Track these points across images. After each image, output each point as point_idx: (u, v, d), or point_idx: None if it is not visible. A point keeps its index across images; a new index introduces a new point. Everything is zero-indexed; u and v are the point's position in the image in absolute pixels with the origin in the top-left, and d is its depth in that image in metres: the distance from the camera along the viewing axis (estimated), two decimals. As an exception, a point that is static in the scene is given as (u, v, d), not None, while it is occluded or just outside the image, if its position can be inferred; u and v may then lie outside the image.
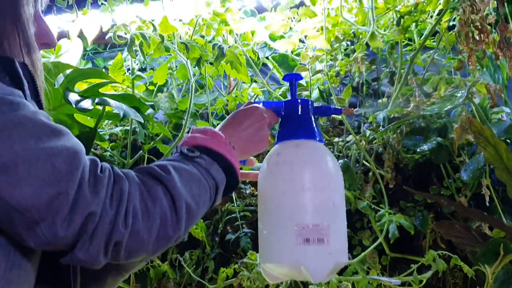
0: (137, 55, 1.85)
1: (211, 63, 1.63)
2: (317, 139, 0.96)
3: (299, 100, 0.99)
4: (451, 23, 1.59)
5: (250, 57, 1.62)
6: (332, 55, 1.82)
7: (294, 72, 1.66)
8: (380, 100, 1.78)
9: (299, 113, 0.98)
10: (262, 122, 0.95)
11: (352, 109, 1.05)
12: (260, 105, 0.98)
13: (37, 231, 0.60)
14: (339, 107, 1.04)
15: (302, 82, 1.83)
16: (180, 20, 1.81)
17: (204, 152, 0.81)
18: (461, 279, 1.59)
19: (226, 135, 0.88)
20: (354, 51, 1.78)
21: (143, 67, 2.03)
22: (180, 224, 0.70)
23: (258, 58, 1.62)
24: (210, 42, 1.73)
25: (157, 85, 1.89)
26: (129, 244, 0.65)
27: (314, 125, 0.98)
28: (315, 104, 1.02)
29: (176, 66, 1.88)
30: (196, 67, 1.65)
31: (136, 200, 0.66)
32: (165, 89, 1.90)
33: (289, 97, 1.03)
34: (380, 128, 1.50)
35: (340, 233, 0.91)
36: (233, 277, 1.58)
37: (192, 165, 0.78)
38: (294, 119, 0.98)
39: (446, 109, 1.38)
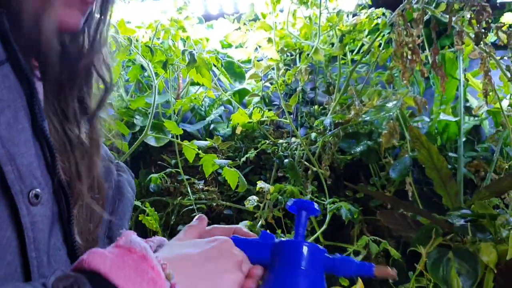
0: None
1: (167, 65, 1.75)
2: None
3: (308, 246, 0.65)
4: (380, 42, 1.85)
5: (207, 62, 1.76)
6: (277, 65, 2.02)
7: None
8: (315, 107, 2.01)
9: (303, 267, 0.63)
10: (240, 278, 0.61)
11: (391, 270, 0.64)
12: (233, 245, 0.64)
13: None
14: (368, 264, 0.65)
15: (247, 87, 2.01)
16: (139, 27, 1.91)
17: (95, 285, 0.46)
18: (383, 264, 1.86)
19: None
20: (293, 61, 2.00)
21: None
22: None
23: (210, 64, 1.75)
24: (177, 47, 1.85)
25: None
26: None
27: None
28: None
29: (129, 67, 1.96)
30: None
31: None
32: (115, 89, 1.98)
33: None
34: (327, 132, 1.71)
35: None
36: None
37: None
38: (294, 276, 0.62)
39: (380, 116, 1.62)
